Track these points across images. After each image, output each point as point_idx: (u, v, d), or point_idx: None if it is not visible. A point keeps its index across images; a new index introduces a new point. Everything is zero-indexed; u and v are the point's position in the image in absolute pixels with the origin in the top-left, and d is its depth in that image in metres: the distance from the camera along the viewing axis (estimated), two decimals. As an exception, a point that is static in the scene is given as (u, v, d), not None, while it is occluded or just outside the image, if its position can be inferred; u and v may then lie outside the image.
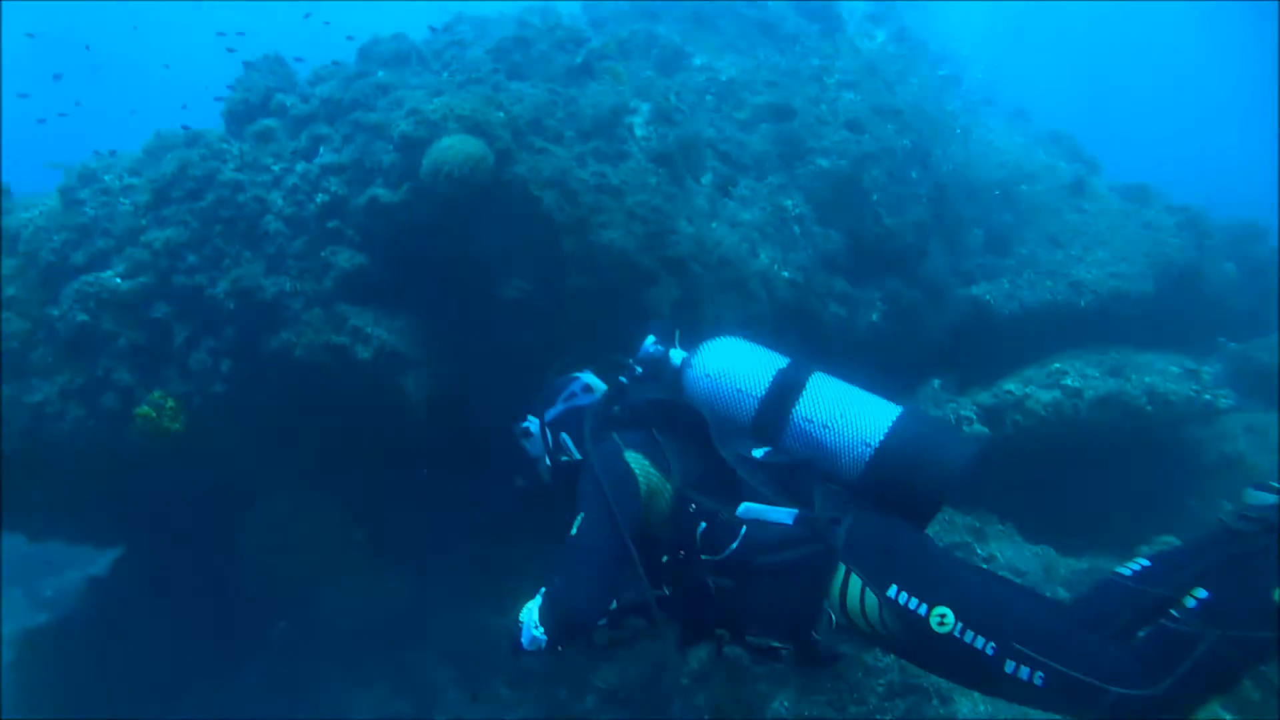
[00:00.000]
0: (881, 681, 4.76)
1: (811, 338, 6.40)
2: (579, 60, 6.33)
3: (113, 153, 5.87)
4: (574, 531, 2.41)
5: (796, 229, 6.56)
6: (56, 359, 5.32)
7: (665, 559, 2.52)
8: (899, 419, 2.51)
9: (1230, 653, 2.05)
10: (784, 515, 2.44)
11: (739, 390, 2.65)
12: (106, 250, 5.38)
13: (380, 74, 5.81)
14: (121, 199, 5.49)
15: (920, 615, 2.23)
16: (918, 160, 7.35)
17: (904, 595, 2.26)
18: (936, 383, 7.16)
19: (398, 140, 5.25)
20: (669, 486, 2.53)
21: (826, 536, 2.37)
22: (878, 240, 7.00)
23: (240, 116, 5.80)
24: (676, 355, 2.81)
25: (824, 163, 6.96)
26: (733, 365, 2.69)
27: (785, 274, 6.20)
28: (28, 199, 5.90)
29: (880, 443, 2.47)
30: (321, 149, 5.55)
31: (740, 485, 2.52)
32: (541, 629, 2.38)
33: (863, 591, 2.32)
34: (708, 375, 2.70)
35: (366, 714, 6.50)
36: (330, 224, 5.37)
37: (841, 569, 2.35)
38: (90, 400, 5.32)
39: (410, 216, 5.24)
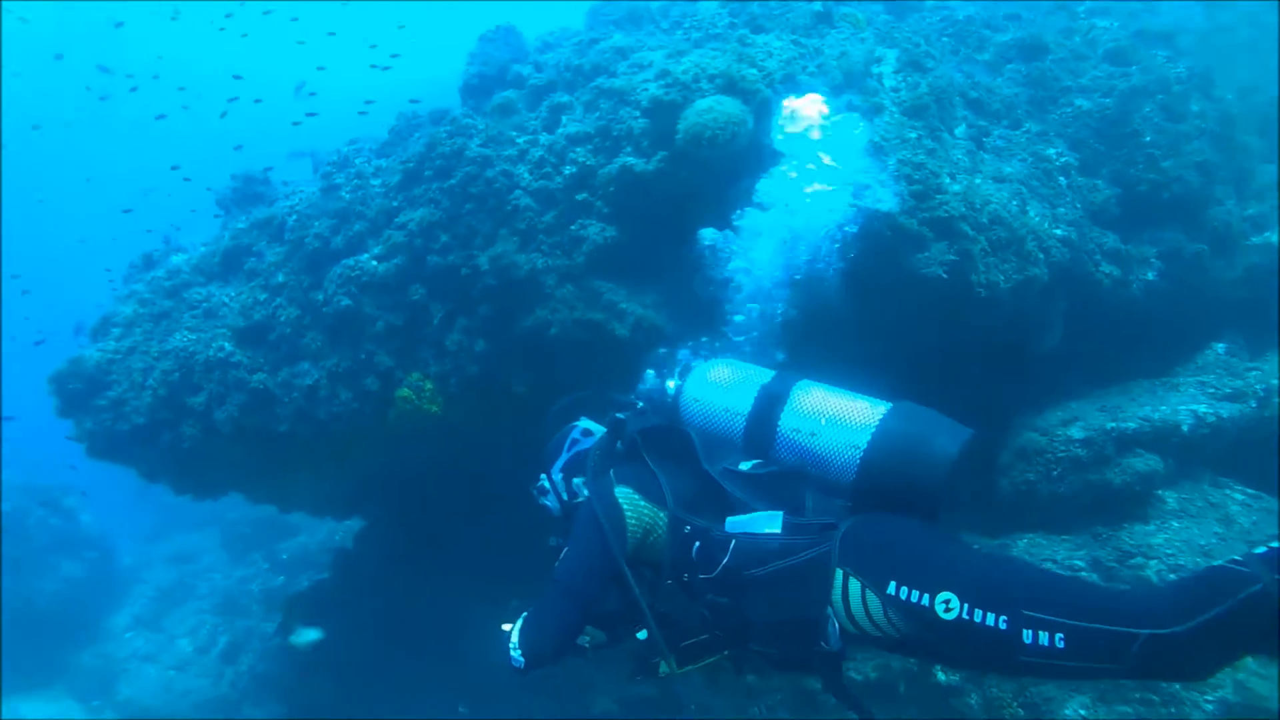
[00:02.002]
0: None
1: (1084, 303, 5.77)
2: (818, 7, 5.87)
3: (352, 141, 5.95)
4: (558, 565, 2.58)
5: (1063, 180, 5.88)
6: (324, 343, 5.47)
7: (669, 583, 2.59)
8: (885, 418, 2.49)
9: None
10: (770, 523, 2.46)
11: (727, 409, 2.74)
12: (362, 233, 5.46)
13: (617, 36, 5.57)
14: (373, 181, 5.55)
15: (924, 606, 2.16)
16: (1198, 89, 6.43)
17: (904, 590, 2.20)
18: (1221, 347, 6.33)
19: (646, 105, 5.01)
20: (662, 514, 2.60)
21: (819, 542, 2.36)
22: (1152, 188, 6.18)
23: (477, 90, 5.74)
24: (671, 385, 2.92)
25: (1084, 103, 6.22)
26: (719, 386, 2.80)
27: (1058, 231, 5.56)
28: (282, 187, 6.11)
29: (867, 443, 2.47)
30: (564, 119, 5.40)
31: (731, 501, 2.56)
32: (519, 651, 2.52)
33: (864, 594, 2.27)
34: (696, 400, 2.82)
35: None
36: (579, 196, 5.22)
37: (839, 574, 2.31)
38: (355, 383, 5.44)
39: (664, 184, 4.99)
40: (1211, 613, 1.88)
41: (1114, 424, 5.36)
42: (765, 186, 4.09)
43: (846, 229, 4.08)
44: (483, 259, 5.12)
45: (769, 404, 2.68)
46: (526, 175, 5.27)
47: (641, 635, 2.64)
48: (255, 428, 5.60)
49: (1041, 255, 5.34)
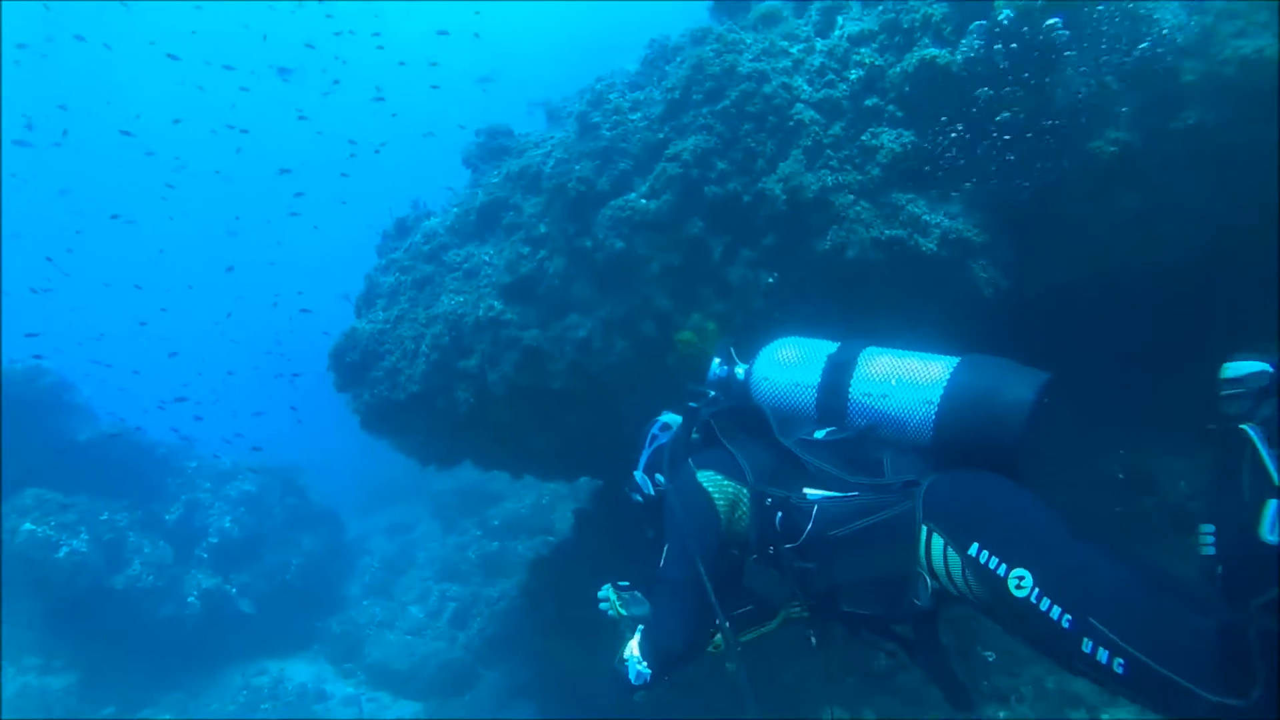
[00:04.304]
0: None
1: None
2: None
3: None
4: (661, 564, 2.60)
5: None
6: (594, 292, 5.19)
7: (755, 557, 2.60)
8: (956, 369, 2.46)
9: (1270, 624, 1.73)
10: (848, 488, 2.47)
11: (796, 384, 2.76)
12: (628, 171, 5.11)
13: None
14: (632, 116, 5.18)
15: (1000, 576, 2.08)
16: None
17: (984, 554, 2.13)
18: None
19: (946, -15, 4.38)
20: (744, 489, 2.62)
21: (902, 499, 2.33)
22: None
23: (733, 4, 5.24)
24: (740, 369, 2.95)
25: None
26: (786, 362, 2.82)
27: None
28: (524, 139, 5.86)
29: (940, 397, 2.43)
30: (839, 19, 4.84)
31: (809, 469, 2.57)
32: (645, 664, 2.53)
33: (945, 551, 2.22)
34: (766, 379, 2.84)
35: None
36: (868, 102, 4.67)
37: (924, 530, 2.26)
38: (631, 330, 5.14)
39: (972, 71, 4.37)
40: (1261, 677, 1.72)
41: None
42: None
43: None
44: (770, 183, 4.67)
45: (837, 372, 2.68)
46: (806, 87, 4.76)
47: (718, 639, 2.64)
48: (528, 387, 5.42)
49: None
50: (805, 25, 4.95)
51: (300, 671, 11.68)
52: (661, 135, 5.02)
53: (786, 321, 4.99)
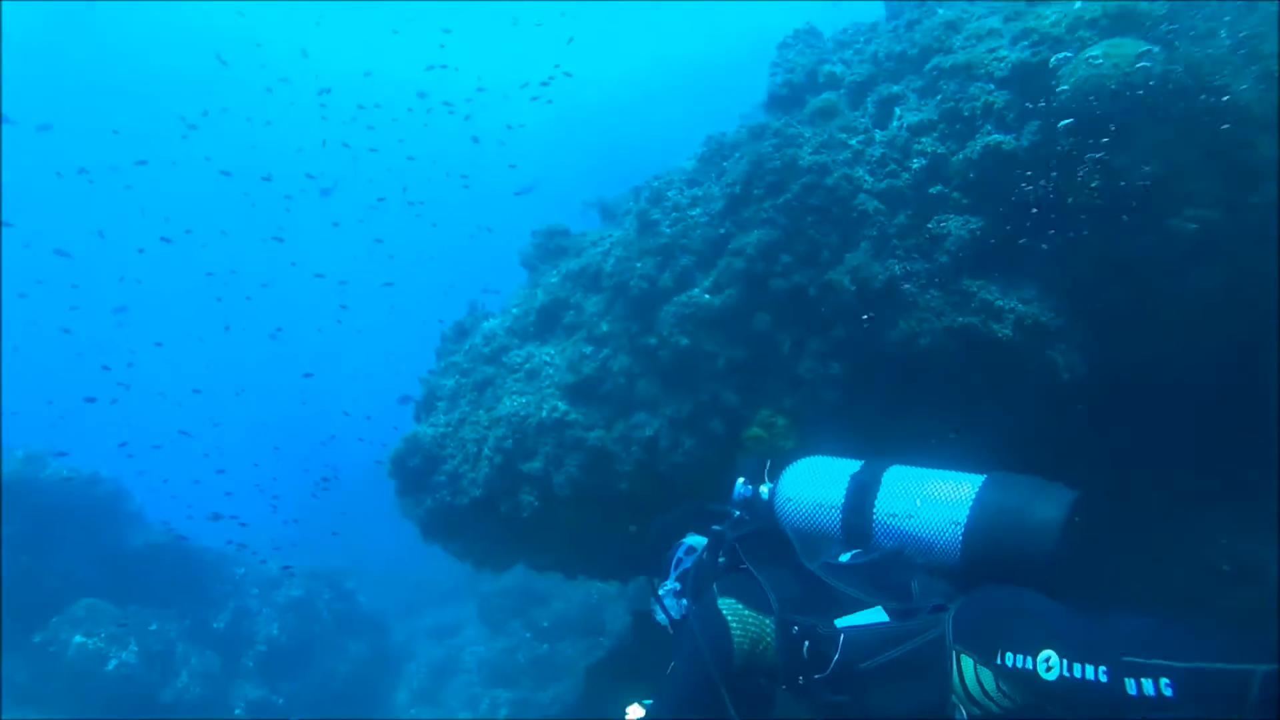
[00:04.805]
0: None
1: None
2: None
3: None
4: (662, 684, 2.55)
5: None
6: (660, 389, 5.11)
7: (784, 688, 2.52)
8: (982, 488, 2.43)
9: None
10: (875, 614, 2.41)
11: (820, 505, 2.72)
12: (690, 267, 5.09)
13: (940, 11, 4.99)
14: (691, 212, 5.20)
15: (1029, 670, 2.02)
16: None
17: (1009, 655, 2.07)
18: None
19: (1006, 73, 4.39)
20: (769, 619, 2.54)
21: (931, 625, 2.28)
22: None
23: (786, 100, 5.32)
24: (765, 489, 2.89)
25: None
26: (811, 482, 2.78)
27: None
28: (581, 238, 5.90)
29: (966, 519, 2.40)
30: (897, 110, 4.86)
31: (836, 595, 2.51)
32: None
33: (976, 670, 2.16)
34: (789, 499, 2.81)
35: None
36: (932, 189, 4.63)
37: (954, 654, 2.21)
38: (698, 427, 5.02)
39: (1037, 154, 4.33)
40: None
41: None
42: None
43: None
44: (837, 274, 4.61)
45: (861, 492, 2.64)
46: (868, 177, 4.75)
47: None
48: (594, 489, 5.29)
49: None
50: (862, 118, 4.98)
51: (348, 786, 11.28)
52: (723, 230, 5.02)
53: (858, 414, 4.87)
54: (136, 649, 10.25)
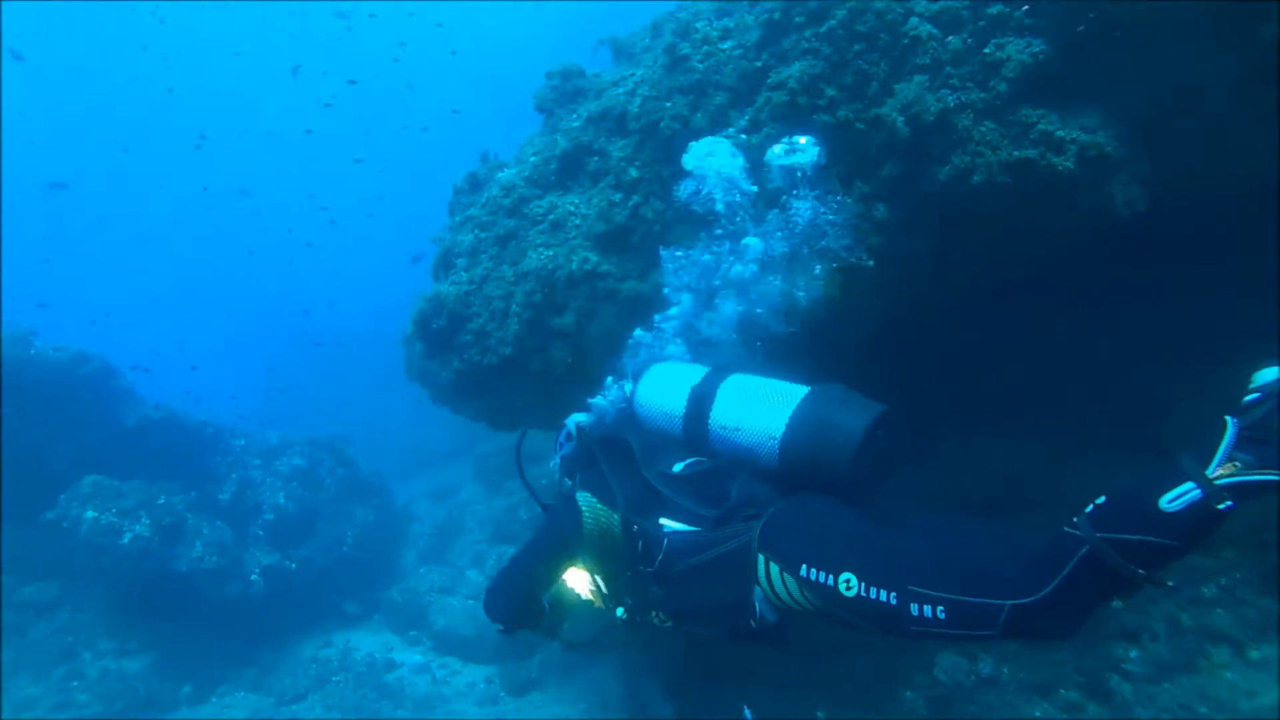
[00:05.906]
0: None
1: None
2: None
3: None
4: (523, 546, 3.05)
5: None
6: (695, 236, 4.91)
7: (629, 574, 2.86)
8: (800, 403, 2.67)
9: (1107, 556, 2.00)
10: (694, 522, 2.77)
11: (666, 413, 3.03)
12: (724, 105, 4.80)
13: None
14: (723, 45, 4.84)
15: (830, 585, 2.35)
16: None
17: (813, 571, 2.39)
18: None
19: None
20: (615, 515, 2.88)
21: (742, 533, 2.58)
22: None
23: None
24: (627, 388, 3.22)
25: None
26: (658, 389, 3.09)
27: None
28: (598, 79, 5.52)
29: (782, 433, 2.66)
30: (955, -78, 4.46)
31: (666, 501, 2.84)
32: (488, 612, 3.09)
33: (782, 576, 2.48)
34: (642, 404, 3.14)
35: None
36: (992, 9, 4.33)
37: (761, 559, 2.53)
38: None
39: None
40: (1058, 579, 2.05)
41: None
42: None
43: None
44: (887, 109, 4.36)
45: (699, 402, 2.89)
46: (920, -1, 4.41)
47: (620, 613, 2.97)
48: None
49: None
50: (911, -68, 4.57)
51: (365, 642, 11.68)
52: (759, 63, 4.70)
53: (901, 259, 4.74)
54: (148, 522, 10.28)
